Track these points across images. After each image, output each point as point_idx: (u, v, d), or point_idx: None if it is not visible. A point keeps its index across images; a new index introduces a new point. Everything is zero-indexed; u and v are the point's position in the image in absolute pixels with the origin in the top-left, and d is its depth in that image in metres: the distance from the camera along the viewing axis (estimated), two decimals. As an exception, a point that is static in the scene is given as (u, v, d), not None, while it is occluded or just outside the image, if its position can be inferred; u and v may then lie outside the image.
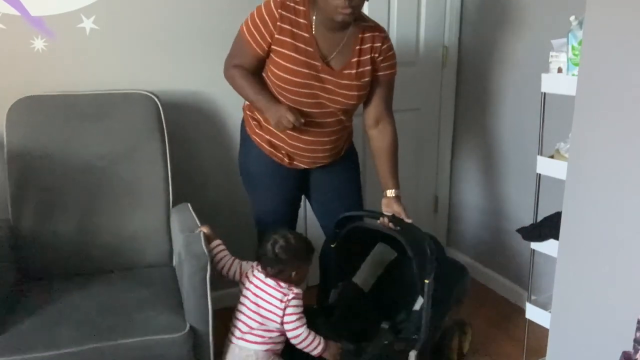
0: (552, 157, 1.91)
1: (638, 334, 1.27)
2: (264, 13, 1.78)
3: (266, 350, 1.83)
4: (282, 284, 1.82)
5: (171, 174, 2.09)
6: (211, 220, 2.49)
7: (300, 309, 1.83)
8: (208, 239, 1.86)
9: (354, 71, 1.84)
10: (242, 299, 1.87)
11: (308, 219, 2.59)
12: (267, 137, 1.95)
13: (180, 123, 2.31)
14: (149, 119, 2.07)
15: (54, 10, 2.06)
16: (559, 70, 1.82)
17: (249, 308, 1.84)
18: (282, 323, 1.81)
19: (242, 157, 2.09)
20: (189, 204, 2.06)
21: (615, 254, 1.43)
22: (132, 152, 2.03)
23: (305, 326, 1.82)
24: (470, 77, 2.81)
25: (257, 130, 1.98)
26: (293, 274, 1.83)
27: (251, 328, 1.82)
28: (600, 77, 1.41)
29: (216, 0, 2.29)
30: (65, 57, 2.12)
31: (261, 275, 1.85)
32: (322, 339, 1.84)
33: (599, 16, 1.39)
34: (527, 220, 2.10)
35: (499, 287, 2.75)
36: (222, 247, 1.94)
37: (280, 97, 1.84)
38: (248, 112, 2.03)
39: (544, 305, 2.01)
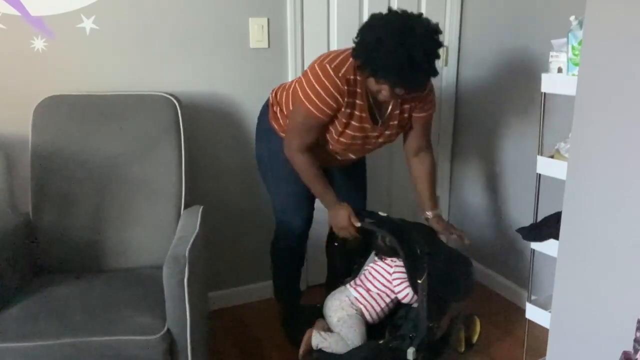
0: (552, 157, 1.91)
1: (638, 334, 1.27)
2: (332, 90, 1.80)
3: (355, 303, 2.03)
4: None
5: (186, 176, 2.08)
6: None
7: (404, 275, 2.00)
8: None
9: (396, 122, 1.96)
10: (364, 272, 2.12)
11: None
12: None
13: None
14: (167, 120, 2.08)
15: (54, 10, 2.06)
16: (559, 70, 1.82)
17: (369, 280, 2.08)
18: (390, 287, 2.04)
19: (265, 150, 2.12)
20: (200, 207, 2.04)
21: (615, 254, 1.43)
22: (148, 152, 2.05)
23: (410, 287, 2.00)
24: (470, 78, 2.81)
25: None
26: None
27: (367, 293, 2.06)
28: (600, 77, 1.41)
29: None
30: (65, 57, 2.12)
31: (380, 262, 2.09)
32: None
33: (599, 16, 1.39)
34: (527, 220, 2.10)
35: (499, 287, 2.75)
36: None
37: (330, 143, 1.95)
38: (276, 109, 2.05)
39: (544, 305, 2.01)
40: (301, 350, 2.00)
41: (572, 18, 1.72)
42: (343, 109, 1.85)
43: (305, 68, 2.45)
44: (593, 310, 1.52)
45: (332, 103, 1.82)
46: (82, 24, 2.11)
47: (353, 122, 1.89)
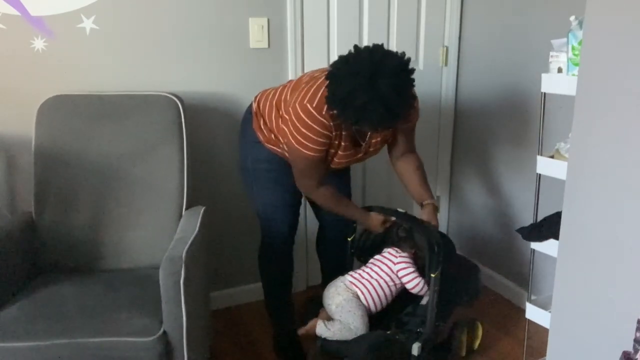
0: (552, 157, 1.91)
1: (638, 334, 1.27)
2: (320, 129, 1.81)
3: (350, 287, 2.01)
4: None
5: (187, 176, 2.08)
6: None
7: (412, 263, 2.02)
8: None
9: (379, 138, 1.98)
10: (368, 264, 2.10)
11: (308, 219, 2.59)
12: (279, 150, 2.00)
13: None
14: (169, 120, 2.07)
15: (54, 10, 2.06)
16: (559, 70, 1.82)
17: (368, 267, 2.07)
18: (392, 276, 2.01)
19: (250, 160, 2.10)
20: (202, 208, 2.03)
21: (615, 254, 1.43)
22: (150, 153, 2.05)
23: (419, 276, 2.00)
24: (470, 77, 2.81)
25: (272, 139, 2.00)
26: (413, 250, 2.07)
27: (362, 277, 2.03)
28: (600, 77, 1.41)
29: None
30: (65, 57, 2.12)
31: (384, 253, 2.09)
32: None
33: (599, 16, 1.39)
34: (527, 220, 2.10)
35: (499, 287, 2.75)
36: None
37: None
38: (260, 120, 2.04)
39: (544, 305, 2.01)
40: (302, 331, 1.99)
41: (572, 18, 1.72)
42: (334, 140, 1.87)
43: (305, 70, 2.47)
44: (593, 310, 1.52)
45: (323, 140, 1.83)
46: (82, 24, 2.11)
47: (340, 152, 1.93)
